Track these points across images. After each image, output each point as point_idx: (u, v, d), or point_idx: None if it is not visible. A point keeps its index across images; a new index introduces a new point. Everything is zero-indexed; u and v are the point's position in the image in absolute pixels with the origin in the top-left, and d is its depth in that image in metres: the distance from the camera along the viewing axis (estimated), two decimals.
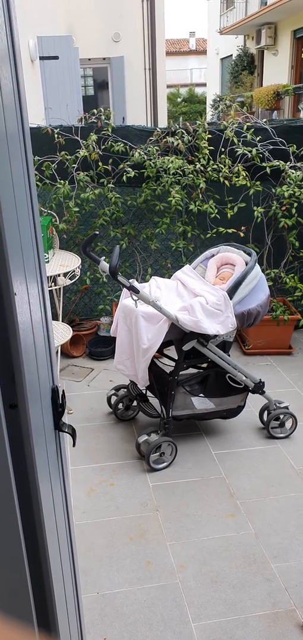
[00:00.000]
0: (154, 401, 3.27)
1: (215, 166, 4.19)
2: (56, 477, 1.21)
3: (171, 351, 3.24)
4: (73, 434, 1.23)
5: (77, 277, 3.86)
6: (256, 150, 4.16)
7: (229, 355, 3.16)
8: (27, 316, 0.94)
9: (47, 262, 3.81)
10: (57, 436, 1.25)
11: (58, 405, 1.20)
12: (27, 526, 0.96)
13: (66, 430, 1.22)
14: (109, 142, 4.14)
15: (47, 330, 1.19)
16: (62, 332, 3.80)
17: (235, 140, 4.18)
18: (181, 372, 3.05)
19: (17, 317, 0.84)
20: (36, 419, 0.97)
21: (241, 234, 4.19)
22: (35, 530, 0.99)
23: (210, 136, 4.20)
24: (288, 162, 4.21)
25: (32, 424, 0.92)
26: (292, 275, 4.33)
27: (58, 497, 1.22)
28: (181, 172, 4.14)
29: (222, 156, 4.22)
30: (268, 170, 4.15)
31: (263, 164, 4.18)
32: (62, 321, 4.13)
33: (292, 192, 4.09)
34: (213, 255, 3.36)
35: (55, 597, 1.08)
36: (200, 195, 4.21)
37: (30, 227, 1.05)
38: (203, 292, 3.04)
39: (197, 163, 4.17)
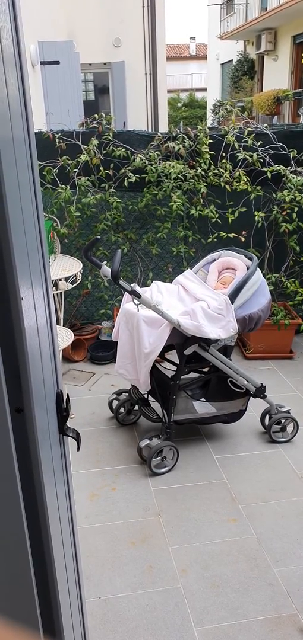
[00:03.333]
0: (155, 405, 3.27)
1: (216, 171, 4.20)
2: (61, 482, 1.21)
3: (173, 355, 3.24)
4: (77, 438, 1.24)
5: (79, 281, 3.86)
6: (257, 155, 4.17)
7: (230, 360, 3.16)
8: (33, 320, 0.95)
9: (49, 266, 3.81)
10: (61, 440, 1.25)
11: (62, 409, 1.20)
12: (33, 530, 0.96)
13: (71, 434, 1.22)
14: (111, 147, 4.16)
15: (51, 334, 1.20)
16: (63, 337, 3.81)
17: (236, 145, 4.19)
18: (182, 377, 3.06)
19: (24, 322, 0.84)
20: (41, 423, 0.97)
21: (242, 239, 4.19)
22: (40, 534, 0.99)
23: (210, 141, 4.21)
24: (289, 167, 4.22)
25: (37, 428, 0.92)
26: (293, 279, 4.34)
27: (62, 501, 1.22)
28: (182, 177, 4.15)
29: (223, 161, 4.24)
30: (269, 175, 4.16)
31: (264, 169, 4.19)
32: (64, 326, 4.13)
33: (292, 196, 4.10)
34: (214, 260, 3.37)
35: (60, 601, 1.08)
36: (201, 200, 4.23)
37: (35, 232, 1.06)
38: (204, 297, 3.05)
39: (198, 168, 4.18)
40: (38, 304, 1.02)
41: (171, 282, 3.38)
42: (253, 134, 4.21)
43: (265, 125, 4.37)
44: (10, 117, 0.86)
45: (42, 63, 6.46)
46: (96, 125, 4.17)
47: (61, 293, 3.91)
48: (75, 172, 4.11)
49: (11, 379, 0.85)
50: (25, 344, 0.85)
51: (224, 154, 4.24)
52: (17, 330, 0.84)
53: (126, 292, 2.92)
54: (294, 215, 4.14)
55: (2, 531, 0.91)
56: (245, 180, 4.18)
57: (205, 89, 25.64)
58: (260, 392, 3.20)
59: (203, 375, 3.37)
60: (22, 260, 0.88)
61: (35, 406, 0.91)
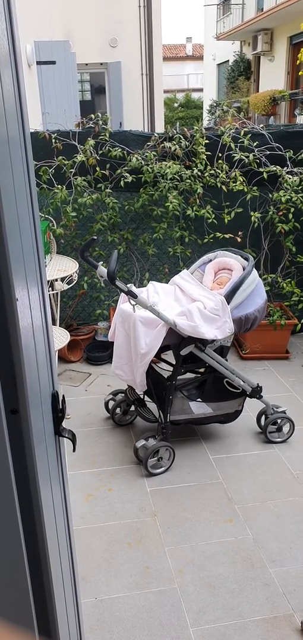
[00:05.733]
0: (152, 406, 3.27)
1: (212, 171, 4.20)
2: (56, 483, 1.21)
3: (169, 356, 3.24)
4: (73, 439, 1.23)
5: (75, 282, 3.86)
6: (254, 155, 4.18)
7: (227, 360, 3.16)
8: (29, 321, 0.94)
9: (45, 266, 3.80)
10: (57, 441, 1.25)
11: (58, 410, 1.20)
12: (28, 531, 0.96)
13: (66, 435, 1.22)
14: (107, 147, 4.15)
15: (47, 334, 1.19)
16: (59, 337, 3.80)
17: (232, 145, 4.19)
18: (178, 377, 3.05)
19: (19, 323, 0.84)
20: (37, 424, 0.97)
21: (239, 239, 4.20)
22: (36, 535, 0.99)
23: (207, 141, 4.22)
24: (285, 168, 4.23)
25: (33, 429, 0.92)
26: (289, 280, 4.35)
27: (58, 502, 1.21)
28: (178, 178, 4.15)
29: (219, 161, 4.24)
30: (265, 175, 4.16)
31: (260, 170, 4.19)
32: (60, 326, 4.13)
33: (288, 197, 4.11)
34: (210, 260, 3.37)
35: (55, 603, 1.08)
36: (197, 201, 4.23)
37: (31, 232, 1.06)
38: (200, 297, 3.05)
39: (194, 168, 4.18)
40: (33, 304, 1.02)
41: (167, 283, 3.38)
42: (250, 135, 4.21)
43: (262, 125, 4.37)
44: (5, 117, 0.85)
45: (39, 63, 6.44)
46: (93, 126, 4.16)
47: (57, 293, 3.90)
48: (71, 172, 4.11)
49: (6, 379, 0.85)
50: (20, 345, 0.85)
51: (220, 155, 4.25)
52: (12, 331, 0.83)
53: (122, 293, 2.92)
54: (290, 215, 4.15)
55: None
56: (241, 180, 4.18)
57: (201, 89, 25.66)
58: (256, 392, 3.21)
59: (199, 375, 3.38)
60: (18, 261, 0.87)
61: (30, 407, 0.90)
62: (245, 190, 4.20)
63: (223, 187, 4.19)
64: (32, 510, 0.97)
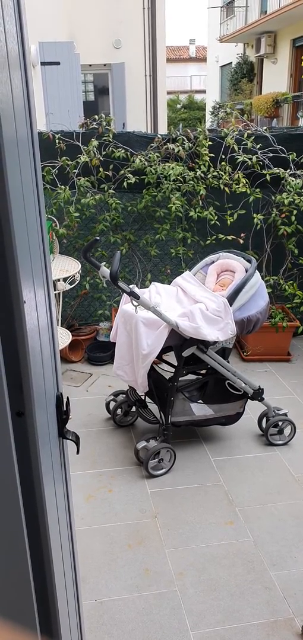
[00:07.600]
0: (153, 407, 3.27)
1: (215, 173, 4.20)
2: (60, 484, 1.21)
3: (171, 357, 3.24)
4: (77, 441, 1.23)
5: (77, 282, 3.86)
6: (257, 157, 4.18)
7: (228, 362, 3.16)
8: (35, 323, 0.94)
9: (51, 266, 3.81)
10: (60, 443, 1.24)
11: (62, 412, 1.20)
12: (32, 532, 0.96)
13: (70, 437, 1.22)
14: (110, 148, 4.15)
15: (52, 336, 1.19)
16: (61, 337, 3.80)
17: (236, 147, 4.19)
18: (180, 378, 3.05)
19: (26, 325, 0.83)
20: (42, 426, 0.97)
21: (241, 241, 4.20)
22: (39, 535, 0.99)
23: (210, 143, 4.22)
24: (288, 170, 4.23)
25: (38, 431, 0.92)
26: (291, 282, 4.35)
27: (61, 504, 1.21)
28: (181, 179, 4.15)
29: (222, 163, 4.24)
30: (268, 177, 4.16)
31: (263, 172, 4.19)
32: (61, 326, 4.13)
33: (291, 199, 4.11)
34: (213, 262, 3.37)
35: (58, 603, 1.08)
36: (200, 202, 4.23)
37: (38, 233, 1.05)
38: (203, 299, 3.04)
39: (197, 170, 4.18)
40: (40, 305, 1.02)
41: (169, 284, 3.38)
42: (253, 137, 4.21)
43: (265, 128, 4.37)
44: (14, 116, 0.85)
45: (43, 63, 6.45)
46: (96, 126, 4.16)
47: (59, 293, 3.90)
48: (74, 172, 4.11)
49: (12, 382, 0.84)
50: (27, 347, 0.84)
51: (223, 156, 4.25)
52: (19, 333, 0.83)
53: (124, 293, 2.92)
54: (293, 218, 4.15)
55: (1, 532, 0.90)
56: (244, 182, 4.18)
57: (204, 91, 25.63)
58: (258, 394, 3.20)
59: (200, 377, 3.37)
60: (25, 262, 0.87)
61: (36, 409, 0.90)
62: (248, 192, 4.20)
63: (226, 188, 4.19)
64: (36, 510, 0.97)
